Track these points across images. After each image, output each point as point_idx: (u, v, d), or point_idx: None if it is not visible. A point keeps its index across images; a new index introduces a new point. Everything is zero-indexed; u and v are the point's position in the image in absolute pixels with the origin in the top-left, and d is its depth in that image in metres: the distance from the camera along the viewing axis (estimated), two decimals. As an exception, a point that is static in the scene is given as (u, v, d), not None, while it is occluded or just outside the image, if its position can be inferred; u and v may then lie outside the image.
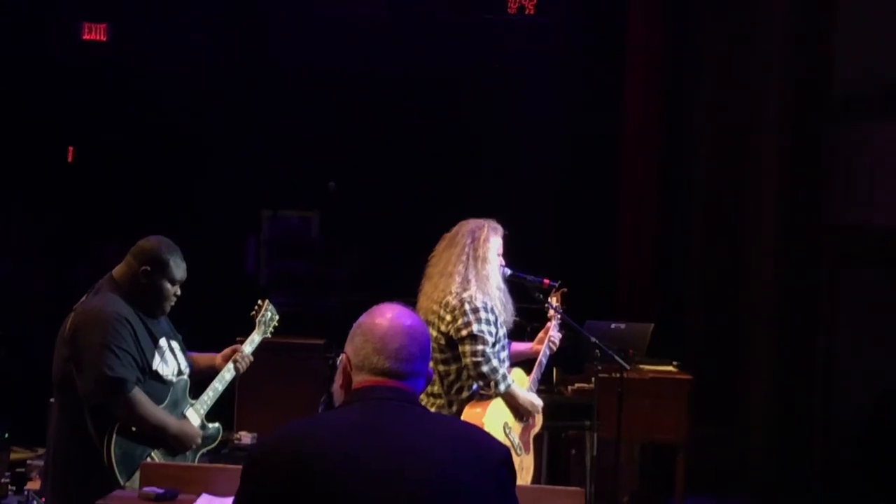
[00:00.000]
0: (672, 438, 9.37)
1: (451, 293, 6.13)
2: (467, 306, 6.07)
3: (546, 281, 6.71)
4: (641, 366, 9.37)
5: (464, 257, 6.19)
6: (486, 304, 6.10)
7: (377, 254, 11.31)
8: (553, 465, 9.00)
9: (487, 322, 6.06)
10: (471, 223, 6.32)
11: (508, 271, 6.45)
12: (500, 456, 3.23)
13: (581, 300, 7.83)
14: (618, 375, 8.32)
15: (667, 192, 11.22)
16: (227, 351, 5.89)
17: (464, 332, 6.02)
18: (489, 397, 6.12)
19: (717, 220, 11.10)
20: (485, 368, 6.00)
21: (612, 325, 9.43)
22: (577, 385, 9.27)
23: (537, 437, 6.69)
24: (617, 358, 7.71)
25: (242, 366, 5.85)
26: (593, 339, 7.59)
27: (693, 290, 11.14)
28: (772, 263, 10.93)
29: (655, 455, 9.93)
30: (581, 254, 10.98)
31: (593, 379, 8.70)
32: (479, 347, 6.00)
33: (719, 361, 10.84)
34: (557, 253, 10.53)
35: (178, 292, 5.56)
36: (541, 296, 6.76)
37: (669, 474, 9.57)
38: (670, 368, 9.63)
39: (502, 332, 6.19)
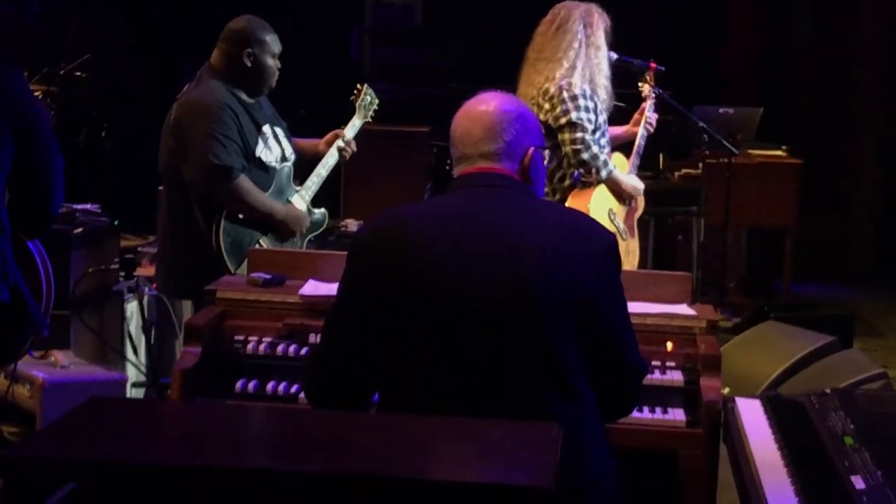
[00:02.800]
0: (780, 223, 9.33)
1: (552, 80, 6.03)
2: (566, 94, 5.97)
3: (653, 64, 6.59)
4: (750, 150, 9.28)
5: (576, 44, 6.06)
6: (585, 90, 6.00)
7: (482, 41, 11.17)
8: (659, 251, 8.98)
9: (587, 109, 5.97)
10: (579, 8, 6.16)
11: (614, 56, 6.34)
12: (605, 243, 3.21)
13: (688, 85, 7.72)
14: (726, 160, 8.28)
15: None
16: (329, 136, 5.87)
17: (562, 121, 5.94)
18: (591, 185, 6.08)
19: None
20: (585, 156, 5.94)
21: (720, 110, 9.30)
22: (684, 171, 9.20)
23: (643, 224, 6.65)
24: (725, 142, 7.64)
25: (346, 151, 5.85)
26: (701, 124, 7.52)
27: (803, 72, 10.92)
28: (882, 42, 10.66)
29: (763, 240, 9.88)
30: (687, 37, 10.77)
31: (700, 164, 8.65)
32: (579, 135, 5.93)
33: (829, 145, 10.68)
34: (662, 36, 10.32)
35: (279, 66, 5.54)
36: (650, 82, 6.64)
37: (777, 259, 9.55)
38: (779, 153, 9.53)
39: (602, 118, 6.11)
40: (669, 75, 6.75)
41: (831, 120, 10.77)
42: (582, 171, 6.01)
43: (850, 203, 10.78)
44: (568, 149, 5.92)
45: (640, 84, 6.58)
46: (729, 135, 8.04)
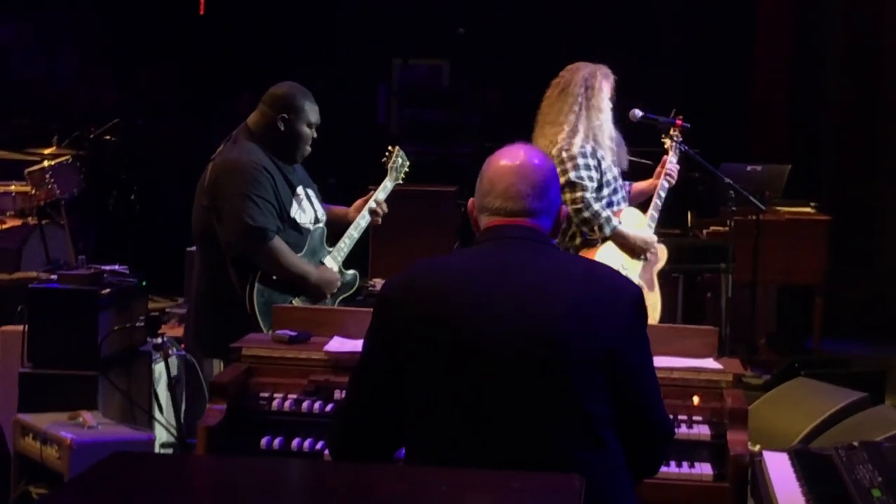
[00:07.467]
0: (809, 280, 9.29)
1: (554, 144, 6.06)
2: (564, 154, 6.00)
3: (679, 121, 6.60)
4: (778, 207, 9.26)
5: (576, 107, 6.10)
6: (585, 150, 6.01)
7: (508, 100, 11.23)
8: (688, 308, 8.95)
9: (587, 167, 5.99)
10: (582, 70, 6.19)
11: (640, 113, 6.37)
12: (632, 296, 3.20)
13: (716, 142, 7.72)
14: (754, 217, 8.26)
15: (802, 30, 10.95)
16: (358, 202, 5.89)
17: (561, 181, 5.93)
18: (597, 242, 6.09)
19: (854, 57, 10.81)
20: (586, 214, 5.96)
21: (748, 167, 9.31)
22: (712, 228, 9.19)
23: (672, 282, 6.63)
24: (753, 199, 7.62)
25: (378, 213, 5.85)
26: (728, 181, 7.50)
27: (830, 129, 10.92)
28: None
29: (792, 297, 9.84)
30: (716, 94, 10.80)
31: (729, 221, 8.61)
32: (578, 194, 5.96)
33: (858, 202, 10.65)
34: (691, 94, 10.35)
35: (315, 135, 5.58)
36: (674, 136, 6.64)
37: (806, 316, 9.50)
38: (808, 209, 9.50)
39: (611, 174, 6.11)
40: (698, 133, 6.76)
41: (860, 175, 10.74)
42: (585, 229, 6.04)
43: (882, 259, 10.72)
44: (570, 208, 5.93)
45: (662, 138, 6.58)
46: (757, 192, 8.03)
